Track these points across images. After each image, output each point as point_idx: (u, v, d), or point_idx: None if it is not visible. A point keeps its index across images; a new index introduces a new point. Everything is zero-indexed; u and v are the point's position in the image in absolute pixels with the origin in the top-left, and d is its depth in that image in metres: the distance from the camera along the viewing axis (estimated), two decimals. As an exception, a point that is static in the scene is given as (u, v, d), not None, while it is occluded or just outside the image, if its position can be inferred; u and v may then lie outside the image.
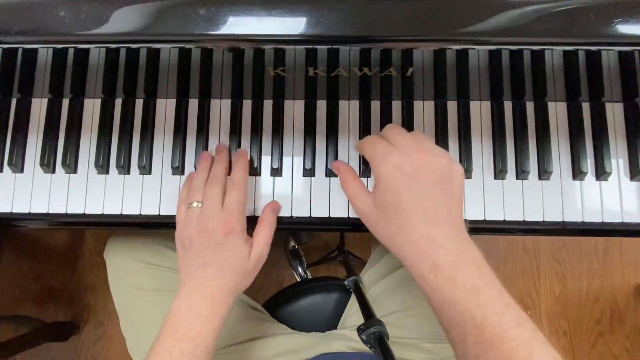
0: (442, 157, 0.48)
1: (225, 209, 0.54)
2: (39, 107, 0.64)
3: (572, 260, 1.43)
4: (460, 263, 0.45)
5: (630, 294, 1.41)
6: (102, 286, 1.41)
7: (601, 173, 0.60)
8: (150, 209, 0.61)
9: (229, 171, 0.59)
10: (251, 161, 0.62)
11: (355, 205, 0.53)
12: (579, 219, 0.60)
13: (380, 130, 0.62)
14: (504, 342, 0.43)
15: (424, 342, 0.69)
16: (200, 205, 0.55)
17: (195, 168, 0.62)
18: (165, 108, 0.64)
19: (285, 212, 0.61)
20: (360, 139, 0.61)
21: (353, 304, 0.77)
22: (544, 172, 0.60)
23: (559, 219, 0.60)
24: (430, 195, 0.46)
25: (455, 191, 0.48)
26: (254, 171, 0.62)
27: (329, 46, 0.50)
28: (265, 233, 0.58)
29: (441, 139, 0.61)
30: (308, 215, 0.61)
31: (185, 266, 0.56)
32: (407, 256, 0.47)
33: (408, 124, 0.62)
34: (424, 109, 0.63)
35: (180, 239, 0.56)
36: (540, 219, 0.60)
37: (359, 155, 0.61)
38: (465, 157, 0.61)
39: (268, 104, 0.63)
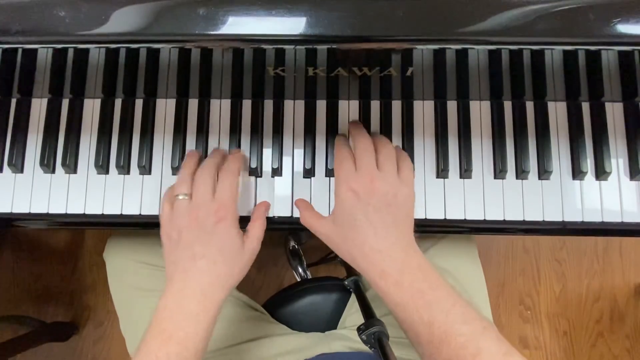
0: (391, 185, 0.53)
1: (217, 197, 0.54)
2: (39, 107, 0.64)
3: (572, 260, 1.43)
4: (406, 269, 0.50)
5: (630, 294, 1.41)
6: (102, 286, 1.41)
7: (601, 173, 0.60)
8: (150, 209, 0.61)
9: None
10: (251, 161, 0.62)
11: (317, 229, 0.56)
12: (578, 219, 0.60)
13: (380, 130, 0.62)
14: (452, 339, 0.46)
15: (423, 342, 0.69)
16: (186, 197, 0.54)
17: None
18: (165, 108, 0.64)
19: (285, 212, 0.61)
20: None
21: (353, 304, 0.77)
22: (543, 172, 0.60)
23: (559, 219, 0.60)
24: (379, 215, 0.52)
25: (403, 212, 0.53)
26: (254, 171, 0.62)
27: (329, 46, 0.50)
28: (258, 228, 0.57)
29: (441, 139, 0.61)
30: (308, 215, 0.61)
31: (173, 261, 0.53)
32: (362, 266, 0.52)
33: (408, 124, 0.62)
34: (423, 109, 0.63)
35: (167, 232, 0.54)
36: (540, 219, 0.60)
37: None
38: (465, 157, 0.61)
39: (268, 104, 0.63)
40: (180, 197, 0.54)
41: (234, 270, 0.54)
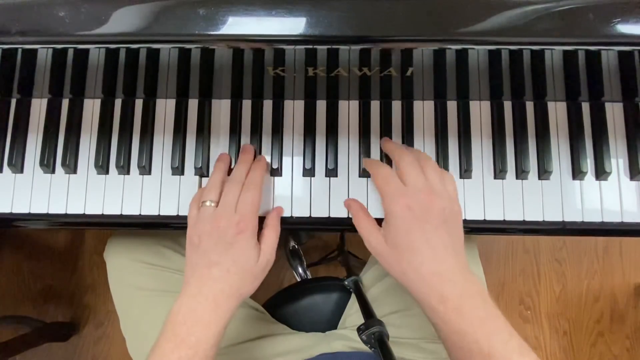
0: (446, 199, 0.51)
1: (239, 210, 0.54)
2: (38, 107, 0.64)
3: (572, 260, 1.43)
4: (466, 295, 0.48)
5: (630, 294, 1.41)
6: (102, 286, 1.41)
7: (601, 173, 0.60)
8: (150, 209, 0.61)
9: None
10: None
11: (368, 242, 0.54)
12: (578, 219, 0.60)
13: (380, 129, 0.62)
14: None
15: (424, 342, 0.69)
16: (213, 204, 0.55)
17: (194, 168, 0.62)
18: (165, 108, 0.64)
19: (285, 212, 0.61)
20: (360, 139, 0.62)
21: (353, 304, 0.77)
22: (543, 172, 0.60)
23: (559, 219, 0.60)
24: (438, 234, 0.49)
25: (457, 230, 0.52)
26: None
27: (329, 46, 0.50)
28: (272, 238, 0.57)
29: (441, 139, 0.61)
30: (308, 215, 0.61)
31: (191, 265, 0.55)
32: (417, 290, 0.50)
33: (408, 124, 0.62)
34: (423, 109, 0.63)
35: (190, 235, 0.55)
36: (540, 219, 0.60)
37: (359, 157, 0.61)
38: (465, 157, 0.61)
39: (268, 104, 0.63)
40: (208, 203, 0.55)
41: (247, 281, 0.55)
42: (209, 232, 0.53)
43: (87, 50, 0.56)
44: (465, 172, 0.60)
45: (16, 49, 0.55)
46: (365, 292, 0.75)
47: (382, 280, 0.75)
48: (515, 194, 0.61)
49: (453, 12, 0.44)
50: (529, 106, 0.62)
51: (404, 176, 0.52)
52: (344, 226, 0.61)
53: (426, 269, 0.49)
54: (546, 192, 0.61)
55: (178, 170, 0.62)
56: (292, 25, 0.44)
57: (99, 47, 0.54)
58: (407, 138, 0.62)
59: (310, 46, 0.50)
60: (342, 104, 0.63)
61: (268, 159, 0.62)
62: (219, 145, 0.63)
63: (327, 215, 0.61)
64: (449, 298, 0.48)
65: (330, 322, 0.79)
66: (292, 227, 0.62)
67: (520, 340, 0.47)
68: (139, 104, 0.63)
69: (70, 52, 0.56)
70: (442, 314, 0.48)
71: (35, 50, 0.56)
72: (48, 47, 0.54)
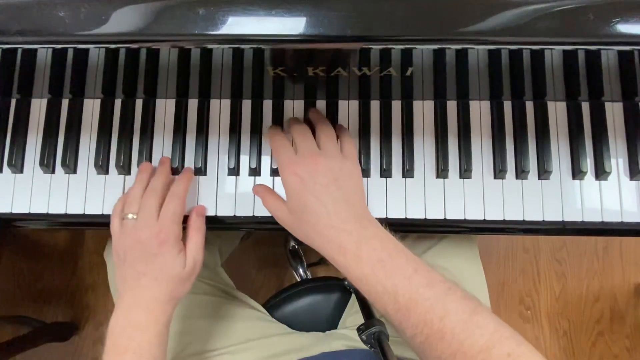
0: (334, 158, 0.54)
1: (160, 220, 0.55)
2: (38, 107, 0.64)
3: (572, 260, 1.43)
4: (363, 241, 0.50)
5: (630, 294, 1.41)
6: (102, 286, 1.41)
7: (601, 173, 0.60)
8: (150, 209, 0.61)
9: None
10: (250, 161, 0.62)
11: (276, 216, 0.56)
12: (578, 219, 0.60)
13: (380, 130, 0.62)
14: (418, 304, 0.45)
15: (423, 341, 0.69)
16: (134, 217, 0.55)
17: (194, 168, 0.62)
18: (165, 108, 0.64)
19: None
20: (359, 138, 0.62)
21: (353, 304, 0.77)
22: (543, 172, 0.60)
23: (559, 219, 0.60)
24: (327, 191, 0.51)
25: (350, 185, 0.53)
26: (254, 171, 0.62)
27: (329, 46, 0.50)
28: (195, 239, 0.58)
29: (441, 139, 0.61)
30: (308, 215, 0.61)
31: (122, 278, 0.56)
32: (319, 246, 0.52)
33: (408, 124, 0.62)
34: (423, 109, 0.63)
35: (116, 250, 0.57)
36: (540, 219, 0.60)
37: (358, 157, 0.61)
38: (465, 156, 0.61)
39: (268, 104, 0.63)
40: (130, 216, 0.56)
41: (177, 285, 0.56)
42: (132, 245, 0.54)
43: (87, 50, 0.56)
44: (465, 172, 0.60)
45: (16, 49, 0.55)
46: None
47: (382, 280, 0.74)
48: (515, 193, 0.61)
49: (453, 12, 0.44)
50: (529, 106, 0.62)
51: (296, 145, 0.55)
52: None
53: (322, 224, 0.51)
54: (546, 192, 0.61)
55: (178, 170, 0.62)
56: (292, 25, 0.44)
57: (99, 47, 0.54)
58: (407, 138, 0.62)
59: (310, 46, 0.50)
60: (342, 104, 0.63)
61: (268, 159, 0.62)
62: (219, 145, 0.63)
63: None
64: (346, 247, 0.50)
65: (330, 322, 0.79)
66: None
67: (429, 273, 0.48)
68: (139, 104, 0.63)
69: (70, 52, 0.56)
70: (343, 262, 0.50)
71: (35, 50, 0.56)
72: (48, 47, 0.54)
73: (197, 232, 0.58)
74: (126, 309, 0.54)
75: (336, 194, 0.52)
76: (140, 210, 0.55)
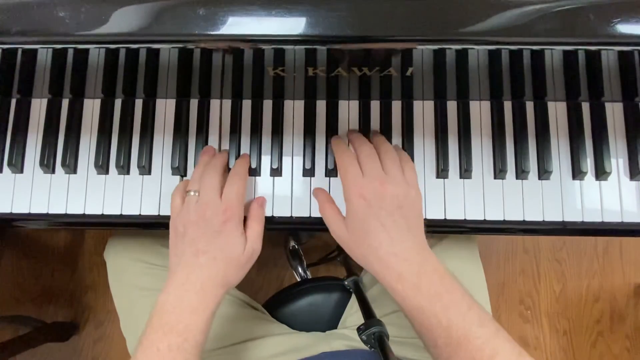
0: (400, 186, 0.53)
1: (225, 198, 0.54)
2: (38, 107, 0.64)
3: (572, 260, 1.43)
4: (423, 273, 0.50)
5: (630, 294, 1.40)
6: (102, 286, 1.41)
7: (601, 173, 0.60)
8: (150, 209, 0.61)
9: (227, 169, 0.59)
10: (251, 161, 0.62)
11: (331, 229, 0.56)
12: (578, 219, 0.60)
13: (380, 130, 0.62)
14: (470, 341, 0.47)
15: (424, 342, 0.69)
16: (197, 194, 0.55)
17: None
18: (165, 108, 0.64)
19: (285, 212, 0.61)
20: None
21: (353, 304, 0.77)
22: (543, 172, 0.60)
23: (559, 219, 0.60)
24: (392, 218, 0.52)
25: (414, 213, 0.54)
26: (254, 171, 0.62)
27: (329, 46, 0.50)
28: (256, 228, 0.57)
29: (441, 139, 0.61)
30: (308, 215, 0.61)
31: (176, 254, 0.55)
32: (378, 271, 0.52)
33: (408, 124, 0.62)
34: (423, 109, 0.63)
35: (175, 225, 0.56)
36: (540, 219, 0.60)
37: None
38: (465, 157, 0.61)
39: (268, 104, 0.63)
40: (192, 193, 0.55)
41: (233, 269, 0.55)
42: (195, 220, 0.54)
43: (87, 50, 0.56)
44: (465, 172, 0.60)
45: (16, 49, 0.55)
46: (365, 292, 0.75)
47: (382, 280, 0.75)
48: (515, 194, 0.61)
49: (453, 12, 0.44)
50: (529, 106, 0.62)
51: (362, 166, 0.55)
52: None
53: (383, 250, 0.51)
54: (546, 192, 0.61)
55: (178, 170, 0.62)
56: (292, 25, 0.44)
57: (99, 47, 0.54)
58: (407, 138, 0.62)
59: (310, 46, 0.50)
60: (342, 104, 0.63)
61: (268, 159, 0.62)
62: (220, 145, 0.63)
63: (327, 215, 0.60)
64: (406, 276, 0.50)
65: (330, 322, 0.79)
66: (292, 227, 0.62)
67: (481, 312, 0.49)
68: (139, 104, 0.63)
69: (70, 52, 0.56)
70: (400, 291, 0.50)
71: (35, 50, 0.56)
72: (48, 47, 0.54)
73: (258, 222, 0.58)
74: (179, 287, 0.53)
75: (400, 222, 0.52)
76: (202, 187, 0.55)
